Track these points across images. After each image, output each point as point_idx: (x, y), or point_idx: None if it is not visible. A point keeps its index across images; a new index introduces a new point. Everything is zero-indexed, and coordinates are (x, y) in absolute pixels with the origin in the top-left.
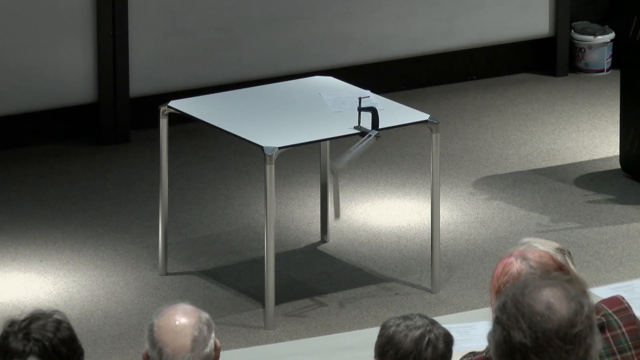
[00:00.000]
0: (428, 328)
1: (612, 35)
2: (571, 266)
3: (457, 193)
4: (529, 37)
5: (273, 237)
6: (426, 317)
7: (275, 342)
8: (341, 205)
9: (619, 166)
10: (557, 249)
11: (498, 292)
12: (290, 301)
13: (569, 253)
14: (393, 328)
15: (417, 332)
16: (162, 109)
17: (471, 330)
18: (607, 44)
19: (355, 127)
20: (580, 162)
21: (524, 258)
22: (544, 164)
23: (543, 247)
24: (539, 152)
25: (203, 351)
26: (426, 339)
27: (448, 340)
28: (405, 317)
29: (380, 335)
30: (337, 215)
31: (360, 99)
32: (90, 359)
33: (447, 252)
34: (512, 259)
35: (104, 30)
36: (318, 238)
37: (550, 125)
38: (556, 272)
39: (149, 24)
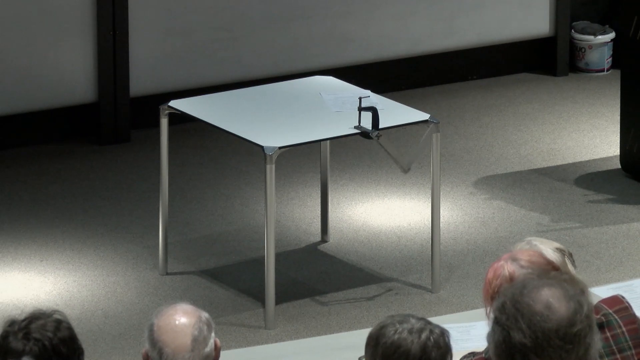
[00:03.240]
0: (428, 328)
1: (612, 35)
2: (570, 267)
3: (457, 193)
4: (529, 37)
5: (273, 237)
6: (418, 317)
7: (275, 342)
8: (342, 204)
9: (619, 166)
10: (557, 249)
11: (493, 297)
12: (290, 301)
13: (570, 254)
14: (396, 335)
15: (423, 335)
16: (162, 108)
17: (471, 330)
18: (607, 44)
19: (355, 127)
20: (581, 162)
21: (513, 259)
22: (544, 164)
23: (542, 245)
24: (539, 152)
25: (203, 350)
26: (431, 340)
27: (447, 336)
28: (401, 321)
29: (383, 344)
30: (405, 169)
31: (360, 98)
32: (90, 359)
33: (447, 252)
34: (502, 262)
35: (104, 30)
36: (318, 238)
37: (550, 125)
38: (554, 271)
39: (149, 24)
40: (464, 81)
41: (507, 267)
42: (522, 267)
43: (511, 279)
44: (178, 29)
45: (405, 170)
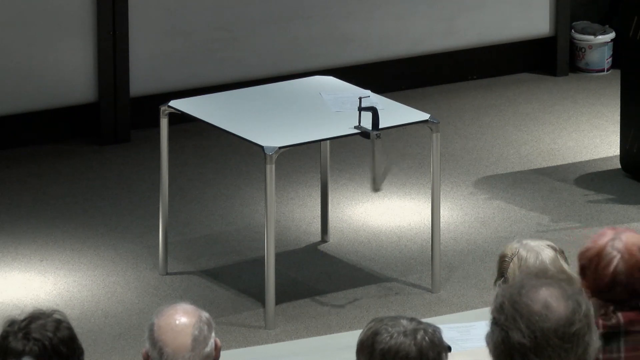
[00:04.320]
0: (421, 328)
1: (612, 35)
2: (564, 264)
3: (457, 193)
4: (529, 36)
5: (273, 237)
6: (408, 317)
7: (276, 342)
8: (342, 204)
9: (619, 166)
10: (549, 246)
11: (581, 268)
12: (291, 301)
13: (562, 251)
14: (393, 340)
15: (418, 336)
16: (163, 108)
17: (471, 330)
18: (608, 44)
19: (355, 127)
20: (581, 162)
21: (616, 239)
22: (544, 164)
23: (534, 243)
24: (539, 151)
25: (203, 350)
26: (426, 339)
27: (440, 332)
28: (393, 324)
29: (380, 350)
30: (376, 188)
31: (360, 98)
32: (90, 359)
33: (448, 252)
34: (608, 240)
35: (104, 30)
36: (318, 238)
37: (550, 125)
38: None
39: (149, 24)
40: (464, 81)
41: (605, 240)
42: (616, 249)
43: (597, 254)
44: (178, 29)
45: (376, 189)
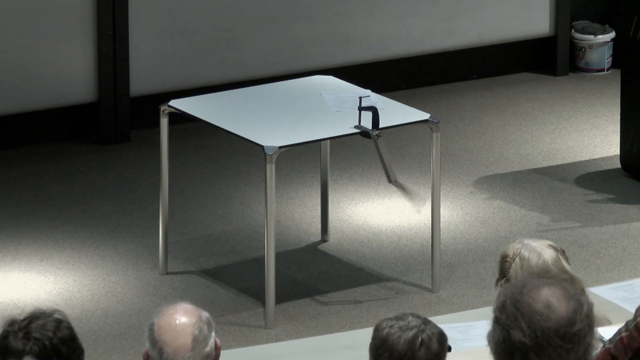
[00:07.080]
0: (421, 328)
1: (612, 34)
2: (565, 264)
3: (457, 192)
4: (529, 36)
5: (273, 237)
6: (419, 317)
7: (276, 341)
8: (342, 204)
9: (619, 165)
10: (550, 246)
11: None
12: (291, 301)
13: (563, 251)
14: (386, 330)
15: (410, 333)
16: (163, 108)
17: (471, 330)
18: (608, 44)
19: (355, 127)
20: (581, 162)
21: None
22: (544, 164)
23: (535, 243)
24: (539, 151)
25: (203, 350)
26: (419, 339)
27: (442, 339)
28: (399, 318)
29: (374, 338)
30: (391, 179)
31: (360, 98)
32: (91, 358)
33: (448, 251)
34: None
35: (104, 30)
36: (318, 237)
37: (551, 125)
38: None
39: (149, 24)
40: (464, 81)
41: None
42: None
43: None
44: (178, 29)
45: (392, 179)
